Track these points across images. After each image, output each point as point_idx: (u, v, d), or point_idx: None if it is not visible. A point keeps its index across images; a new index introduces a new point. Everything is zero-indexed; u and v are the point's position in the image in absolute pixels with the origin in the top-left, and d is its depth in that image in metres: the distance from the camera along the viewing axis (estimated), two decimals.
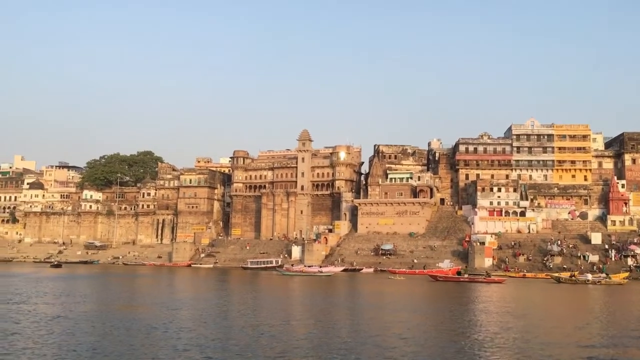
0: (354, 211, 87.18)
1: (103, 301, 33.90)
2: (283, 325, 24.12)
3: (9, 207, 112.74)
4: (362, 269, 72.36)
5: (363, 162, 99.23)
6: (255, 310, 29.96)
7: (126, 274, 63.82)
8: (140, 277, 60.67)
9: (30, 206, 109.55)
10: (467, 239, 76.19)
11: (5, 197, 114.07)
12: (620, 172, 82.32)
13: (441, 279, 55.74)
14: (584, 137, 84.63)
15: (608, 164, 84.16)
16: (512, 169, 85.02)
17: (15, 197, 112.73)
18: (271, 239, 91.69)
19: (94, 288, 43.95)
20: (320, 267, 69.87)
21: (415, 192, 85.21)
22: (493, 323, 25.33)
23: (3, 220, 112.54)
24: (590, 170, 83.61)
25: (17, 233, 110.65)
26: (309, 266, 74.97)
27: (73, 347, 18.34)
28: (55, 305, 30.32)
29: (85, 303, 31.98)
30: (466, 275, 58.10)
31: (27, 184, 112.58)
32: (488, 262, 70.23)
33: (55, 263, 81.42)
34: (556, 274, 58.98)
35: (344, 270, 69.81)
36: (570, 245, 72.08)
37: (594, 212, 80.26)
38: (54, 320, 24.45)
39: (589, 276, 55.76)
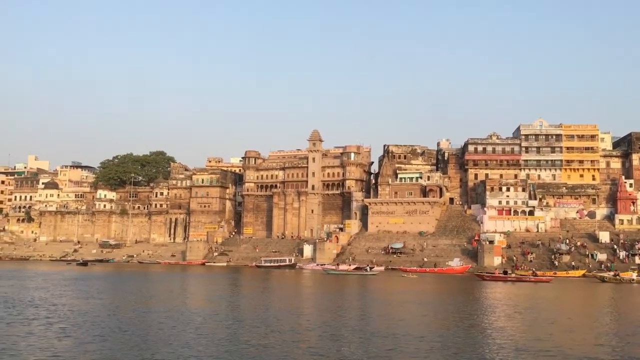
0: (364, 210, 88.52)
1: (172, 298, 35.69)
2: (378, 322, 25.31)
3: (24, 207, 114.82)
4: (374, 267, 73.61)
5: (373, 162, 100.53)
6: (342, 309, 30.91)
7: (157, 272, 65.82)
8: (169, 275, 62.34)
9: (46, 205, 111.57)
10: (476, 237, 77.32)
11: (20, 197, 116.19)
12: (628, 172, 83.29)
13: (488, 278, 56.00)
14: (592, 137, 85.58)
15: (616, 164, 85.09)
16: (520, 169, 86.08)
17: (31, 197, 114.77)
18: (282, 238, 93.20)
19: (143, 286, 45.78)
20: (369, 266, 69.72)
21: (424, 192, 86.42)
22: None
23: (19, 220, 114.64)
24: (598, 169, 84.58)
25: (32, 232, 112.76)
26: (321, 264, 76.62)
27: (193, 339, 20.15)
28: (139, 302, 32.61)
29: (158, 300, 33.98)
30: (513, 275, 57.62)
31: (42, 183, 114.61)
32: (497, 260, 71.34)
33: (81, 261, 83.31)
34: (600, 274, 59.01)
35: (356, 268, 71.06)
36: (579, 244, 73.14)
37: (602, 211, 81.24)
38: (158, 315, 26.33)
39: (634, 275, 56.48)
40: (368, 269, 66.76)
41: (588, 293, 45.79)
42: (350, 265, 72.72)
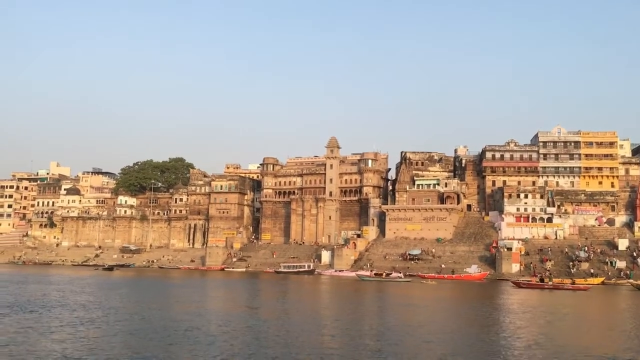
0: (381, 217, 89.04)
1: (217, 303, 37.11)
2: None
3: (47, 212, 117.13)
4: (391, 274, 73.86)
5: (390, 169, 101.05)
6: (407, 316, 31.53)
7: (180, 277, 67.32)
8: (194, 280, 63.60)
9: (68, 211, 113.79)
10: (494, 244, 77.37)
11: (43, 203, 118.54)
12: None
13: (524, 286, 55.06)
14: (611, 144, 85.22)
15: (635, 171, 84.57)
16: (538, 176, 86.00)
17: (53, 203, 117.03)
18: (300, 244, 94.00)
19: (179, 291, 47.00)
20: (400, 273, 69.51)
21: (442, 198, 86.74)
22: None
23: (41, 225, 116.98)
24: (617, 176, 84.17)
25: (54, 237, 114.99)
26: (339, 270, 77.34)
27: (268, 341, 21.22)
28: (187, 306, 33.91)
29: (204, 304, 35.39)
30: (550, 283, 56.04)
31: (64, 189, 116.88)
32: (515, 267, 71.41)
33: (107, 266, 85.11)
34: (637, 282, 57.78)
35: (387, 274, 71.25)
36: (598, 251, 72.89)
37: (621, 218, 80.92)
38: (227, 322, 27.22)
39: None
40: (402, 276, 66.66)
41: (629, 301, 44.92)
42: (384, 272, 72.37)
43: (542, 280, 57.48)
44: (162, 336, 21.67)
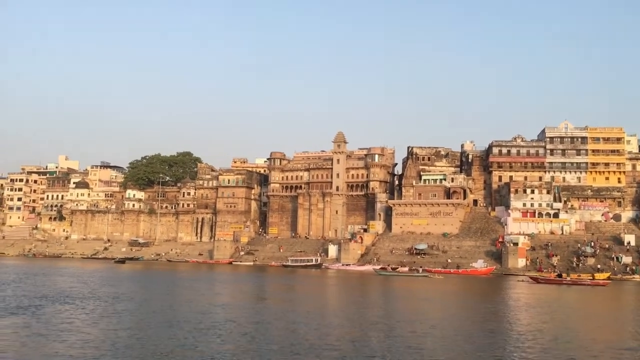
0: (388, 211, 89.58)
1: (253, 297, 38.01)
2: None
3: (56, 205, 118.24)
4: (397, 268, 74.47)
5: (396, 164, 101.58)
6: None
7: (192, 271, 68.29)
8: (207, 273, 64.47)
9: (77, 204, 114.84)
10: (500, 239, 77.83)
11: (53, 196, 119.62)
12: None
13: (542, 281, 54.80)
14: (618, 140, 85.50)
15: None
16: (545, 171, 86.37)
17: (62, 196, 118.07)
18: (307, 238, 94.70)
19: (199, 284, 47.88)
20: (421, 267, 70.24)
21: (448, 194, 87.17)
22: None
23: (51, 218, 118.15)
24: (624, 172, 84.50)
25: (63, 230, 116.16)
26: (346, 264, 78.09)
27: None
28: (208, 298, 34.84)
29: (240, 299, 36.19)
30: (568, 278, 55.31)
31: (74, 183, 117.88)
32: (521, 262, 71.90)
33: (119, 259, 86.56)
34: None
35: (381, 268, 72.13)
36: (606, 246, 73.20)
37: (627, 214, 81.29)
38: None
39: None
40: (420, 271, 67.11)
41: None
42: (399, 266, 73.20)
43: (560, 275, 57.42)
44: (203, 327, 22.24)
